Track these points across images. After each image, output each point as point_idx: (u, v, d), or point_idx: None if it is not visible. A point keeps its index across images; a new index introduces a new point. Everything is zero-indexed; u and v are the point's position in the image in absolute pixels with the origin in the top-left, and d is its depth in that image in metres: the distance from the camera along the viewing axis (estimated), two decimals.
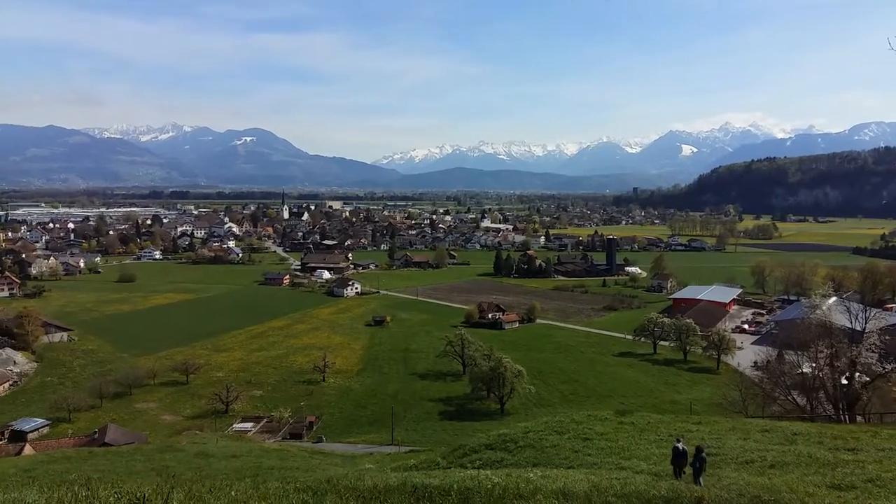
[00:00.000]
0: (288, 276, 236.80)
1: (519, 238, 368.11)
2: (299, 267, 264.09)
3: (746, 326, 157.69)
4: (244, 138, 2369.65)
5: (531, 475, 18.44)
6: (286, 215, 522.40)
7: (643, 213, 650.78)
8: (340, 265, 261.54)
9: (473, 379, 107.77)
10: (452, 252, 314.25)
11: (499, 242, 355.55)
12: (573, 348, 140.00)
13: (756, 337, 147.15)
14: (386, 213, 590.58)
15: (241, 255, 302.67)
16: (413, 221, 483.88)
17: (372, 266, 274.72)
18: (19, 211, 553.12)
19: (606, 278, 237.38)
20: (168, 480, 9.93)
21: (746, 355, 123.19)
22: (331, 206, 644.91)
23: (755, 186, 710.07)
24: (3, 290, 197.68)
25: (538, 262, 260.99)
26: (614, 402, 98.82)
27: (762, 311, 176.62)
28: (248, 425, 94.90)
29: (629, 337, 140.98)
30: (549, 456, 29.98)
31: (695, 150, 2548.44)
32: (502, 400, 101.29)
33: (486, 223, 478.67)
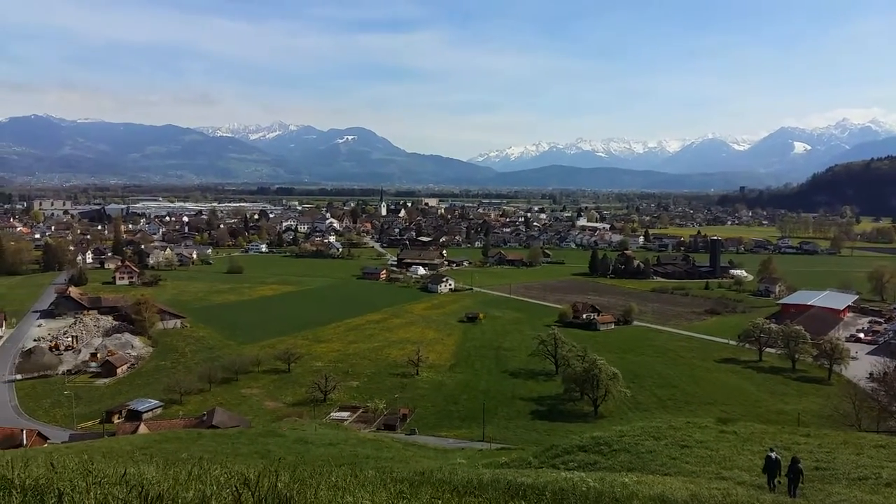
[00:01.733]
0: (385, 271, 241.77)
1: (616, 237, 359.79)
2: (395, 262, 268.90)
3: (862, 335, 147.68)
4: (346, 137, 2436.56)
5: (626, 480, 18.10)
6: (384, 212, 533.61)
7: (750, 214, 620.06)
8: (435, 261, 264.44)
9: (566, 379, 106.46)
10: (547, 251, 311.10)
11: (595, 242, 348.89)
12: (672, 352, 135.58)
13: (872, 347, 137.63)
14: (481, 210, 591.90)
15: (340, 249, 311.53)
16: (507, 219, 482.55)
17: (466, 263, 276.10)
18: (139, 205, 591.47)
19: (709, 281, 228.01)
20: (273, 463, 10.47)
21: (861, 366, 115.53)
22: (427, 204, 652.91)
23: (875, 187, 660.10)
24: (123, 278, 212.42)
25: (636, 262, 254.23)
26: (715, 409, 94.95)
27: (880, 320, 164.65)
28: (345, 414, 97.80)
29: (732, 342, 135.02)
30: (645, 461, 29.29)
31: (808, 147, 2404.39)
32: (596, 402, 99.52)
33: (582, 222, 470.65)
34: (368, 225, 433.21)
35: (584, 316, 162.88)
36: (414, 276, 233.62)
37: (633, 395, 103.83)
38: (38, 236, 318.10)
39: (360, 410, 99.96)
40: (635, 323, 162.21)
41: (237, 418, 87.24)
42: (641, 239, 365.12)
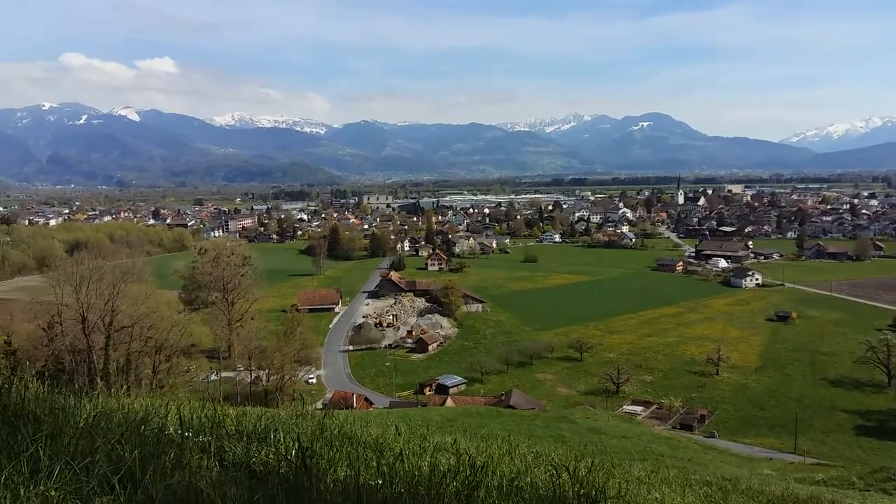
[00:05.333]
0: (681, 263, 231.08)
1: None
2: (693, 254, 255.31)
3: None
4: (641, 123, 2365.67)
5: None
6: (681, 200, 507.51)
7: None
8: (738, 253, 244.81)
9: None
10: (879, 242, 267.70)
11: None
12: None
13: None
14: (794, 196, 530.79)
15: (633, 240, 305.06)
16: (828, 206, 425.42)
17: (775, 256, 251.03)
18: (447, 198, 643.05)
19: None
20: (578, 448, 10.82)
21: None
22: (730, 191, 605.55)
23: None
24: (434, 264, 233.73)
25: None
26: None
27: None
28: (638, 409, 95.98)
29: None
30: None
31: None
32: None
33: None
34: (663, 214, 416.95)
35: None
36: (714, 268, 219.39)
37: None
38: (366, 227, 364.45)
39: (654, 406, 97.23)
40: None
41: (532, 401, 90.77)
42: None
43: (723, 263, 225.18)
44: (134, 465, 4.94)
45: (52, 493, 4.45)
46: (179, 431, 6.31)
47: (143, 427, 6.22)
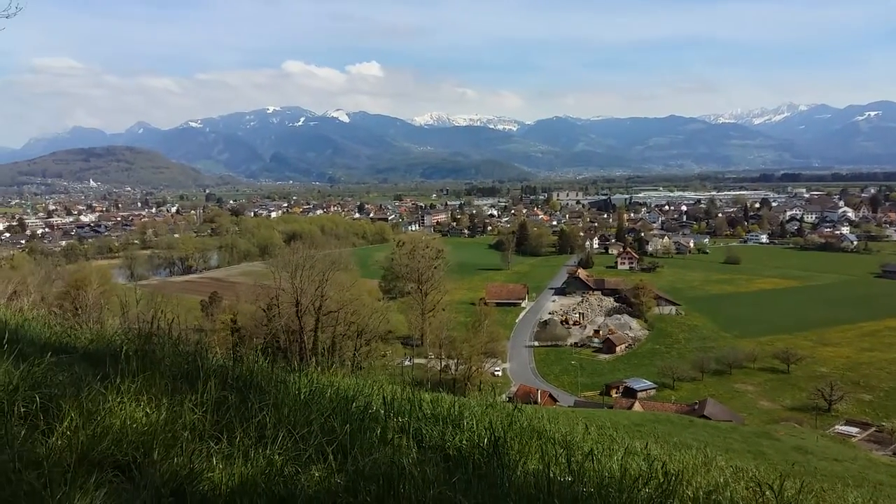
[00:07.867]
0: None
1: None
2: None
3: None
4: (867, 113, 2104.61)
5: None
6: None
7: None
8: None
9: None
10: None
11: None
12: None
13: None
14: None
15: (855, 242, 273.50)
16: None
17: None
18: (641, 194, 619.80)
19: None
20: (779, 468, 10.03)
21: None
22: None
23: None
24: (624, 263, 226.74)
25: None
26: None
27: None
28: (854, 430, 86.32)
29: None
30: None
31: None
32: None
33: None
34: (892, 215, 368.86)
35: None
36: None
37: None
38: (554, 223, 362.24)
39: (873, 429, 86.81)
40: None
41: (729, 412, 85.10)
42: None
43: None
44: (345, 438, 5.44)
45: (276, 457, 5.04)
46: (382, 411, 6.80)
47: (352, 404, 6.80)
